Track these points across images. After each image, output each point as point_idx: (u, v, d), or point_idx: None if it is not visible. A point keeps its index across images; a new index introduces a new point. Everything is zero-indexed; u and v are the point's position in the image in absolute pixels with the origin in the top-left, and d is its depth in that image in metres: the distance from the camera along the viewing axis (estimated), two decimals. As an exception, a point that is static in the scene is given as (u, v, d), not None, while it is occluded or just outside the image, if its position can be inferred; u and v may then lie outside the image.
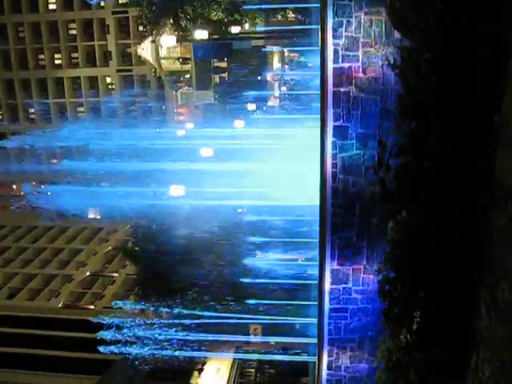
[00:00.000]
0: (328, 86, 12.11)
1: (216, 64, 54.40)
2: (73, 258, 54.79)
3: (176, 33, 48.58)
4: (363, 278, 13.34)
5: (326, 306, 13.61)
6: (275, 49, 51.62)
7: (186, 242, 34.01)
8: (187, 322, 31.13)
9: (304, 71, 47.42)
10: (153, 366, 35.00)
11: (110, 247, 55.51)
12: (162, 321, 33.04)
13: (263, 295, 31.19)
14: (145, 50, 55.17)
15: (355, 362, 14.17)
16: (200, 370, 37.20)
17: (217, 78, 54.19)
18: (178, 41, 50.59)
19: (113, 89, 62.63)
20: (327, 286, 13.42)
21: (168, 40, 50.02)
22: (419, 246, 10.32)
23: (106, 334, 30.33)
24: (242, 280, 31.45)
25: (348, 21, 11.76)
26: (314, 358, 15.08)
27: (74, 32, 62.34)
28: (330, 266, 13.28)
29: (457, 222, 9.92)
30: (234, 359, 37.87)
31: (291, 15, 50.38)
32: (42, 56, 63.60)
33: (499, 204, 9.26)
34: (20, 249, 57.55)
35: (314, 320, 14.45)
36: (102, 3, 58.87)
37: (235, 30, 46.10)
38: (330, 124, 12.33)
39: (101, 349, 29.93)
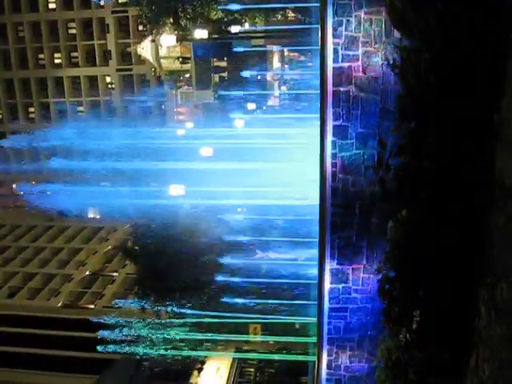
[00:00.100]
0: (328, 86, 12.11)
1: (216, 63, 54.39)
2: (72, 257, 54.78)
3: (176, 32, 48.57)
4: (363, 278, 13.34)
5: (326, 305, 13.61)
6: (275, 48, 51.60)
7: (185, 241, 34.01)
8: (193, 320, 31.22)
9: (304, 70, 47.44)
10: (153, 366, 35.07)
11: (109, 247, 55.49)
12: (163, 321, 33.06)
13: (264, 294, 31.25)
14: (145, 49, 55.17)
15: (355, 362, 14.17)
16: (200, 370, 37.21)
17: (216, 78, 54.18)
18: (177, 40, 50.58)
19: (112, 88, 62.61)
20: (327, 285, 13.43)
21: (168, 39, 50.01)
22: (419, 245, 10.32)
23: (107, 334, 30.36)
24: (242, 280, 31.47)
25: (348, 20, 11.76)
26: (314, 358, 15.09)
27: (73, 31, 62.31)
28: (329, 265, 13.28)
29: (457, 222, 9.93)
30: (234, 358, 37.89)
31: (291, 14, 50.35)
32: (41, 55, 63.56)
33: (499, 203, 9.27)
34: (20, 248, 57.56)
35: (314, 319, 14.46)
36: (102, 2, 58.88)
37: (235, 29, 46.08)
38: (330, 123, 12.34)
39: (100, 348, 29.98)
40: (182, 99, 57.57)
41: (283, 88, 52.91)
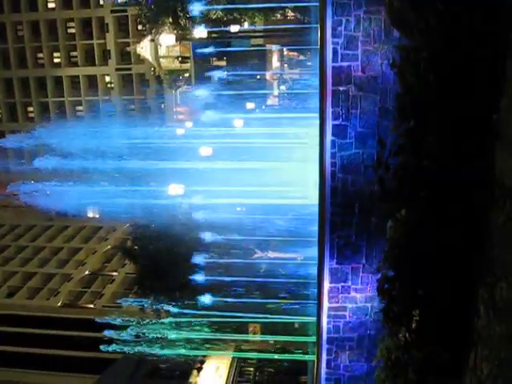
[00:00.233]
0: (327, 85, 12.11)
1: (215, 63, 54.37)
2: (72, 256, 54.81)
3: (175, 31, 48.55)
4: (362, 277, 13.36)
5: (325, 304, 13.62)
6: (274, 48, 51.59)
7: (184, 241, 33.99)
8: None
9: (303, 70, 47.43)
10: (153, 365, 35.07)
11: (109, 246, 55.51)
12: (163, 320, 33.06)
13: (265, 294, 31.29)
14: (144, 48, 55.11)
15: (354, 361, 14.18)
16: (199, 369, 37.19)
17: (216, 77, 54.12)
18: (177, 39, 50.56)
19: (112, 88, 62.59)
20: (326, 284, 13.44)
21: (167, 39, 50.00)
22: (418, 244, 10.32)
23: (113, 334, 30.38)
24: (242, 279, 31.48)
25: (347, 19, 11.77)
26: (313, 357, 15.09)
27: (73, 31, 62.30)
28: (329, 264, 13.29)
29: (456, 222, 9.93)
30: (233, 358, 37.88)
31: (290, 14, 50.32)
32: (40, 55, 63.52)
33: (499, 203, 9.27)
34: (19, 247, 57.57)
35: (313, 319, 14.47)
36: (101, 2, 58.86)
37: (234, 28, 46.06)
38: (329, 123, 12.34)
39: (103, 348, 30.00)
40: (181, 98, 57.55)
41: (282, 87, 52.89)
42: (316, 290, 13.72)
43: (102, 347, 30.21)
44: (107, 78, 62.88)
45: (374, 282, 12.68)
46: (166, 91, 57.16)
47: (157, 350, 30.43)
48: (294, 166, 29.05)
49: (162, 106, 58.79)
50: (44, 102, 64.22)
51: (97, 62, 61.65)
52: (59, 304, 47.44)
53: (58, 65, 63.07)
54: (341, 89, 12.13)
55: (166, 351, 30.52)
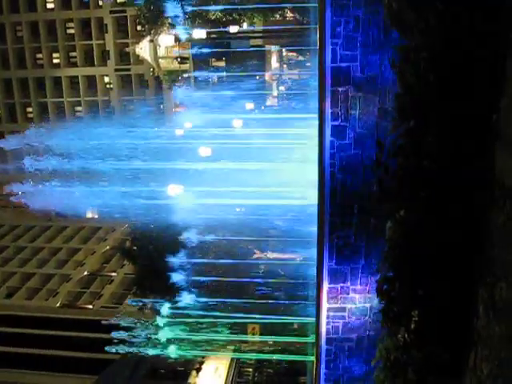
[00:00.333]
0: (326, 86, 12.11)
1: (214, 63, 54.36)
2: (71, 257, 54.77)
3: (174, 32, 48.53)
4: (361, 278, 13.35)
5: (324, 305, 13.61)
6: (273, 48, 51.61)
7: (184, 241, 33.97)
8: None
9: (302, 70, 47.44)
10: (151, 366, 35.03)
11: (108, 247, 55.48)
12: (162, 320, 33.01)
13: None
14: (143, 49, 55.10)
15: (353, 362, 14.17)
16: (198, 370, 37.15)
17: (215, 78, 54.13)
18: (176, 40, 50.53)
19: (111, 88, 62.57)
20: (325, 285, 13.43)
21: (166, 39, 49.98)
22: (418, 244, 10.31)
23: (120, 335, 30.37)
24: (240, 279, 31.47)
25: (346, 20, 11.76)
26: (313, 358, 15.08)
27: (72, 31, 62.31)
28: (328, 265, 13.28)
29: (456, 222, 9.91)
30: (232, 359, 37.84)
31: (289, 14, 50.36)
32: (39, 55, 63.53)
33: (499, 203, 9.26)
34: (18, 248, 57.52)
35: (313, 319, 14.45)
36: (101, 2, 58.83)
37: (233, 29, 46.08)
38: (329, 123, 12.34)
39: (107, 348, 29.98)
40: (180, 99, 57.49)
41: (282, 88, 52.93)
42: (315, 290, 13.71)
43: (106, 348, 30.21)
44: (106, 79, 62.87)
45: (373, 283, 12.67)
46: (164, 91, 57.17)
47: (157, 351, 30.41)
48: (293, 166, 29.06)
49: (161, 106, 58.79)
50: (43, 103, 64.20)
51: (96, 63, 61.64)
52: (58, 304, 47.39)
53: (57, 65, 63.06)
54: (340, 89, 12.13)
55: (166, 351, 30.51)
